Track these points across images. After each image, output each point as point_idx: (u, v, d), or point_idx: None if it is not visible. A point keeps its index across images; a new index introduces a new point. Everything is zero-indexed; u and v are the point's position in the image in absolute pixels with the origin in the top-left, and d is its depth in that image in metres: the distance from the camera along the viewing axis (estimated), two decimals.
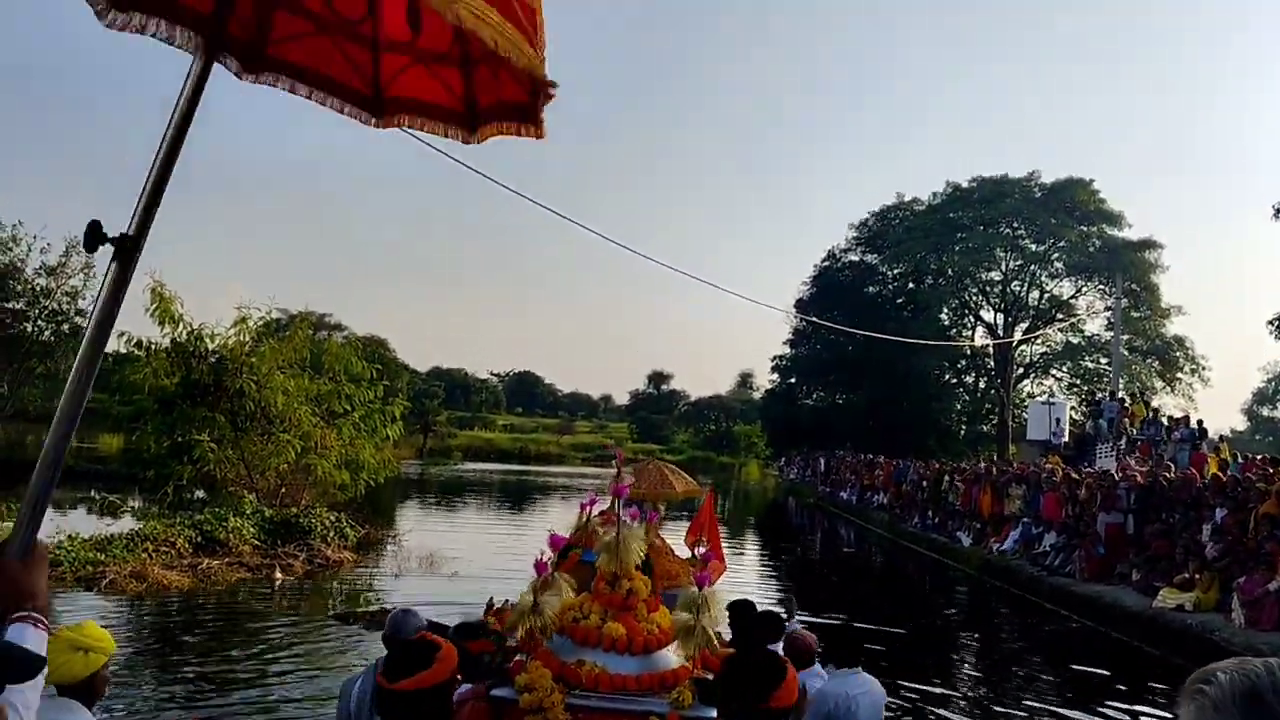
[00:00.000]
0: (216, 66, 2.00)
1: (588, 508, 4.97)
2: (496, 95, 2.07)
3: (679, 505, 13.42)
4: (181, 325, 20.86)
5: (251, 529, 18.18)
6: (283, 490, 21.78)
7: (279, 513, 19.69)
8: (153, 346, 20.89)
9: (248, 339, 21.73)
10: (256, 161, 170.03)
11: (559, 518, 27.45)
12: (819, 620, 14.01)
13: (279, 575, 16.52)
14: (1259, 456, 21.50)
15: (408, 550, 19.84)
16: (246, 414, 21.04)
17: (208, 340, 21.31)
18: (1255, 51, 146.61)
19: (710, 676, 3.52)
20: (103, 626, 3.65)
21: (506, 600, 4.94)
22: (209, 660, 11.08)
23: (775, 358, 65.83)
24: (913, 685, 11.01)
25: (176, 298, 20.69)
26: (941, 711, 10.41)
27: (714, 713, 3.27)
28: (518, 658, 3.81)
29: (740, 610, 6.28)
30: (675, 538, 8.86)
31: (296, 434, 21.22)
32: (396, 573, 17.88)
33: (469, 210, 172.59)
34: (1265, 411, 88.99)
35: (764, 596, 17.79)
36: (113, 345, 21.73)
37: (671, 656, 3.69)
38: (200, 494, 21.49)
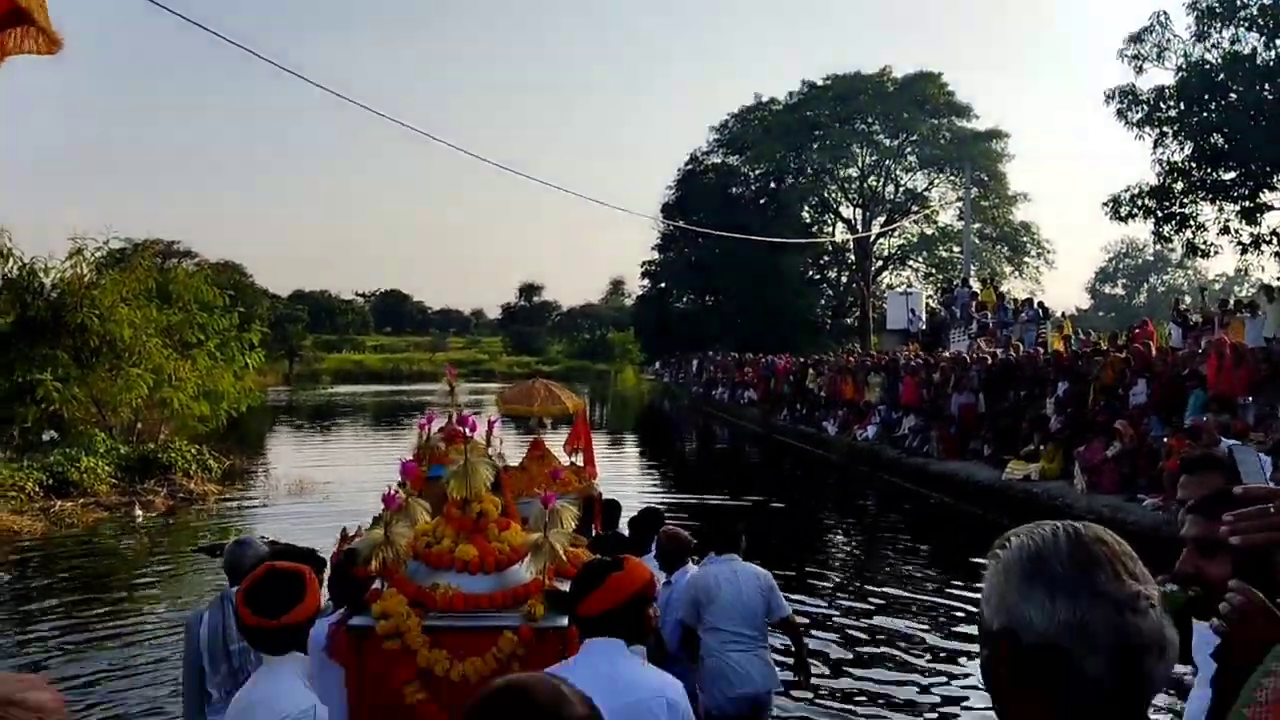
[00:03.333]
0: None
1: (426, 426, 4.97)
2: None
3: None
4: (12, 261, 19.65)
5: (107, 467, 17.48)
6: (139, 426, 20.97)
7: (136, 449, 18.98)
8: None
9: (86, 271, 20.57)
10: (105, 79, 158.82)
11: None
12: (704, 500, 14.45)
13: (139, 513, 15.94)
14: (1091, 334, 22.80)
15: (276, 478, 19.43)
16: (91, 349, 20.00)
17: (43, 275, 20.11)
18: None
19: (564, 587, 3.58)
20: None
21: (360, 526, 4.87)
22: (67, 604, 10.67)
23: (645, 263, 66.08)
24: (785, 570, 11.44)
25: (4, 232, 19.46)
26: (816, 584, 10.93)
27: (565, 620, 3.32)
28: (374, 586, 3.79)
29: (644, 516, 6.58)
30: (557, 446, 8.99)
31: (148, 367, 20.33)
32: (264, 501, 17.53)
33: (324, 128, 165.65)
34: (1107, 289, 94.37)
35: (648, 492, 18.23)
36: None
37: (524, 572, 3.74)
38: (52, 435, 20.49)
